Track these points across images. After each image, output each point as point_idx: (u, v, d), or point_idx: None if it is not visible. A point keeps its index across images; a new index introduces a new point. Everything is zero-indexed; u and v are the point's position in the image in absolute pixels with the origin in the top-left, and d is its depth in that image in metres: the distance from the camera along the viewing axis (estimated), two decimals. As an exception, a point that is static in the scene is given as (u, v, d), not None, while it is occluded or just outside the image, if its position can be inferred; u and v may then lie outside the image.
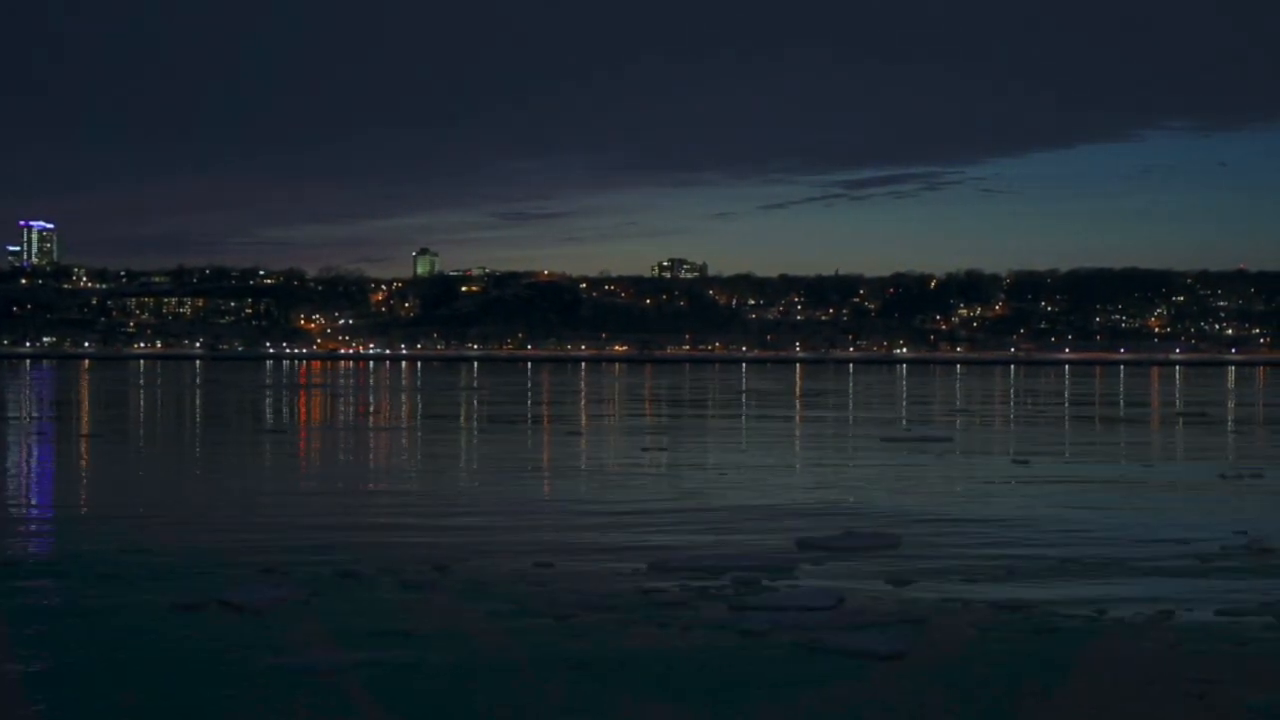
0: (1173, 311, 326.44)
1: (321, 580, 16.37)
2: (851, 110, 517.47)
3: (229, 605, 14.68)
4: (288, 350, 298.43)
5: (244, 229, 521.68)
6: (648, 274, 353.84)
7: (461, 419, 56.88)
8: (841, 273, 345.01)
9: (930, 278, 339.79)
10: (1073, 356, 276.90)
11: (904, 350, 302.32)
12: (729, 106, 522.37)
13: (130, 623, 14.04)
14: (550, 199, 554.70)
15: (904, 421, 54.96)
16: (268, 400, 76.42)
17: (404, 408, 68.47)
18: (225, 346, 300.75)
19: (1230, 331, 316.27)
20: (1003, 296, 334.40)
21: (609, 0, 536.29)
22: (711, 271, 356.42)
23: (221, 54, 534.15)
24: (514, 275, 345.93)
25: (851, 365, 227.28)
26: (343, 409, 64.59)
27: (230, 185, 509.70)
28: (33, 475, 30.84)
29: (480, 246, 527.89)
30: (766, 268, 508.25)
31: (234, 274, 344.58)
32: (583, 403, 74.53)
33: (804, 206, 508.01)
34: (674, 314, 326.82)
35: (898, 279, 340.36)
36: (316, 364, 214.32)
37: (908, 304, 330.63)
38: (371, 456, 36.79)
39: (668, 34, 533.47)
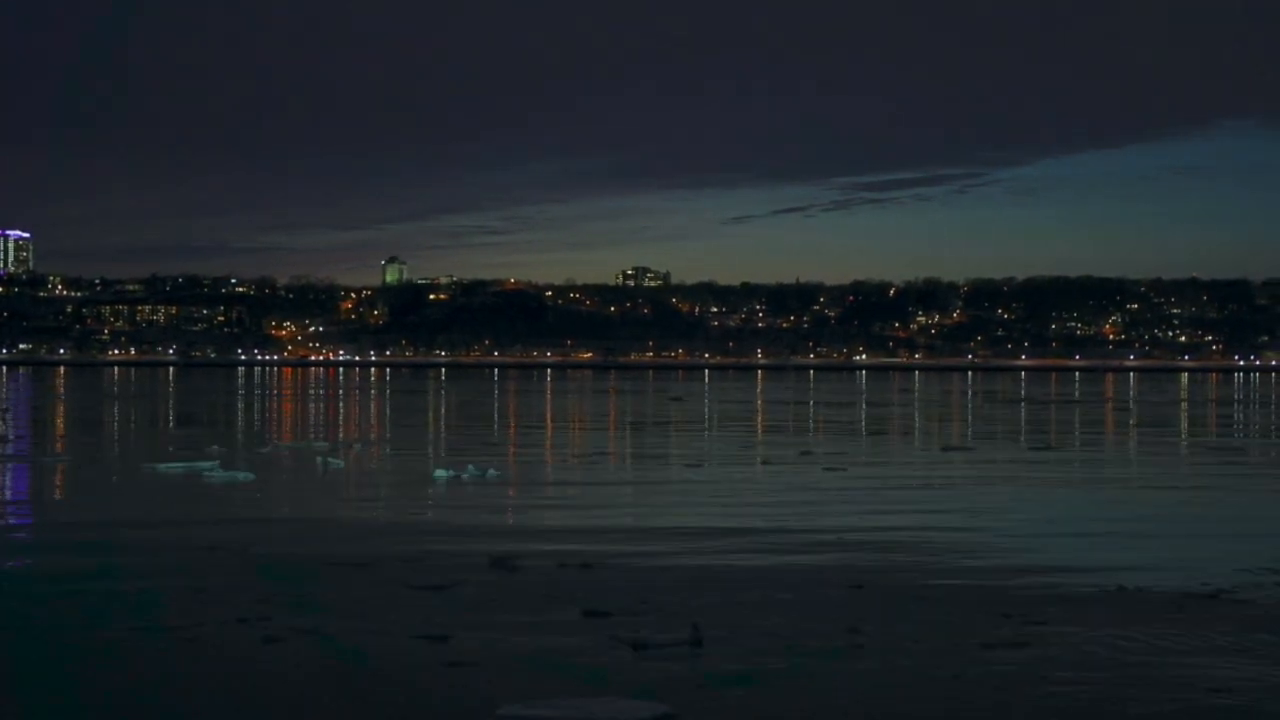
0: (1127, 319, 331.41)
1: None
2: (813, 122, 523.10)
3: None
4: (260, 357, 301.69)
5: (217, 238, 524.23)
6: (612, 282, 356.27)
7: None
8: (802, 281, 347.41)
9: (889, 286, 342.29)
10: (1029, 363, 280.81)
11: (863, 357, 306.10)
12: (694, 116, 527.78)
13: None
14: (522, 207, 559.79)
15: None
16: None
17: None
18: (198, 353, 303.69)
19: (1183, 338, 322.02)
20: (960, 304, 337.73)
21: (584, 7, 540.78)
22: (675, 280, 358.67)
23: (196, 65, 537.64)
24: (481, 283, 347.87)
25: (812, 372, 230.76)
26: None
27: (204, 194, 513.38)
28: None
29: (448, 255, 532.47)
30: (729, 277, 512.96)
31: (206, 282, 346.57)
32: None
33: (769, 219, 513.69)
34: (637, 321, 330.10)
35: (857, 287, 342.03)
36: (288, 370, 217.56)
37: (867, 312, 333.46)
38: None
39: (607, 50, 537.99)
